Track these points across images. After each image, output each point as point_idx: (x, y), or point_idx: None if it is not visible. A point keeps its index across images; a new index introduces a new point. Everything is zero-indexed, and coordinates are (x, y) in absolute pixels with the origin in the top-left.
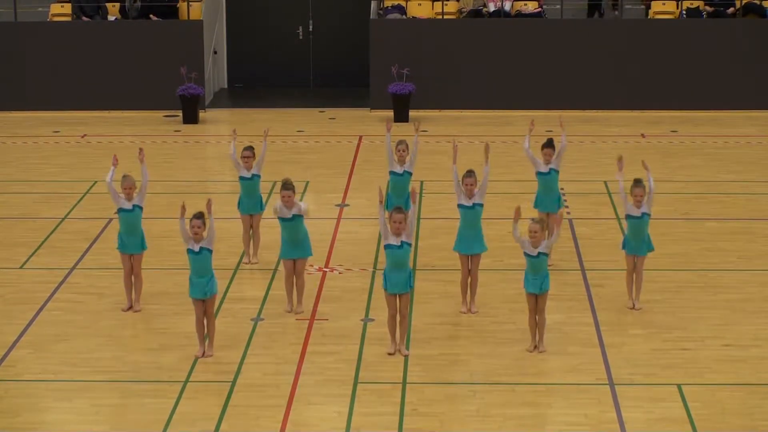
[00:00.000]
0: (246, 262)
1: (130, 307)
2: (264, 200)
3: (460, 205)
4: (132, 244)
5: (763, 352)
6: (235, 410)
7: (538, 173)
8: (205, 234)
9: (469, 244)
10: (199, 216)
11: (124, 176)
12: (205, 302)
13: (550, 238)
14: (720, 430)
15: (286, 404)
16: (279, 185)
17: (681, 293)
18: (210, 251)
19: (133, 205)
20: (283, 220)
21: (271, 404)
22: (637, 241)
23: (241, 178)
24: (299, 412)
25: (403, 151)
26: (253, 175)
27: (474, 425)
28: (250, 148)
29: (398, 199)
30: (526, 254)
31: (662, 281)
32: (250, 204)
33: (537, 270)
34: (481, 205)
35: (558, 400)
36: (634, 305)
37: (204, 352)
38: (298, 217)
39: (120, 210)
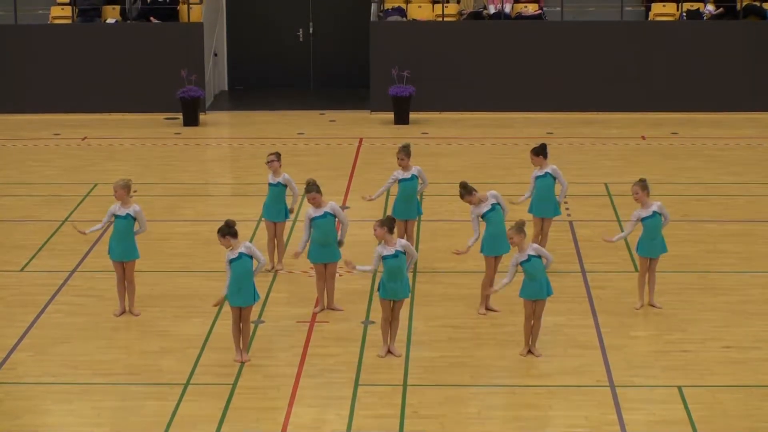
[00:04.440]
0: (270, 269)
1: (123, 312)
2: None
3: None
4: (120, 251)
5: (764, 354)
6: (235, 413)
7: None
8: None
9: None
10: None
11: (123, 181)
12: (242, 309)
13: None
14: None
15: (286, 407)
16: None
17: (681, 295)
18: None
19: (126, 214)
20: (314, 219)
21: (271, 406)
22: (650, 242)
23: (269, 184)
24: (300, 415)
25: (403, 159)
26: (279, 182)
27: (474, 427)
28: (276, 154)
29: (407, 205)
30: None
31: (663, 283)
32: (275, 211)
33: (531, 276)
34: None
35: (558, 402)
36: (643, 304)
37: (242, 358)
38: (329, 216)
39: (114, 216)
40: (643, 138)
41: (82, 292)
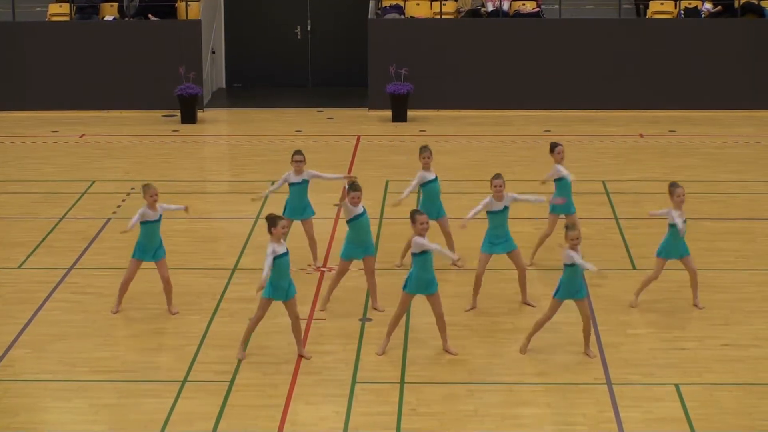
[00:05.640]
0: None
1: (117, 311)
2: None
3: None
4: (153, 251)
5: (762, 352)
6: (233, 410)
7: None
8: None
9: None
10: (282, 217)
11: (147, 185)
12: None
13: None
14: (718, 430)
15: (284, 404)
16: (275, 185)
17: (679, 293)
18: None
19: (159, 216)
20: (350, 220)
21: (269, 404)
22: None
23: (291, 184)
24: (297, 412)
25: (428, 157)
26: (304, 180)
27: (472, 425)
28: (300, 152)
29: (432, 205)
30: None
31: (661, 280)
32: (300, 209)
33: (575, 277)
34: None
35: (556, 400)
36: (636, 304)
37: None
38: (366, 215)
39: (145, 222)
40: (641, 136)
41: (80, 289)
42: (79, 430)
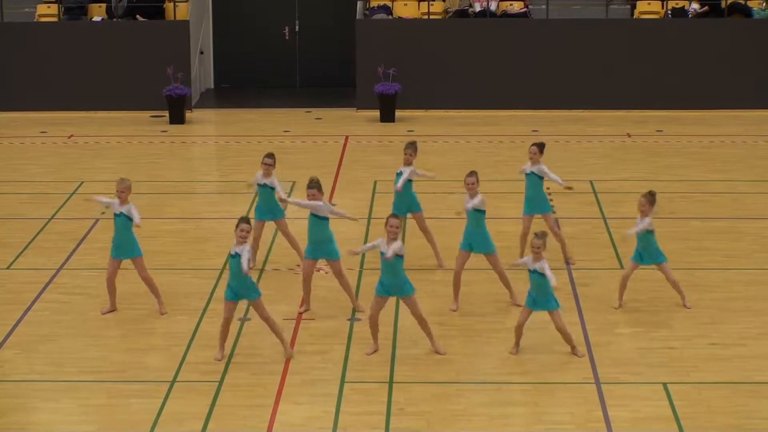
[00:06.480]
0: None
1: (111, 311)
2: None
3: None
4: (120, 249)
5: (749, 351)
6: (222, 410)
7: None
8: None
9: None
10: (247, 221)
11: (121, 179)
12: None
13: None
14: (706, 429)
15: (273, 404)
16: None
17: (667, 292)
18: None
19: (121, 212)
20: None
21: (258, 404)
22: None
23: (259, 185)
24: (286, 412)
25: (410, 155)
26: (266, 184)
27: (460, 425)
28: (272, 156)
29: (402, 202)
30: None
31: (648, 280)
32: (266, 210)
33: (536, 287)
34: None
35: (544, 399)
36: (621, 304)
37: (223, 356)
38: (323, 218)
39: (114, 216)
40: (629, 135)
41: (69, 289)
42: (68, 430)
